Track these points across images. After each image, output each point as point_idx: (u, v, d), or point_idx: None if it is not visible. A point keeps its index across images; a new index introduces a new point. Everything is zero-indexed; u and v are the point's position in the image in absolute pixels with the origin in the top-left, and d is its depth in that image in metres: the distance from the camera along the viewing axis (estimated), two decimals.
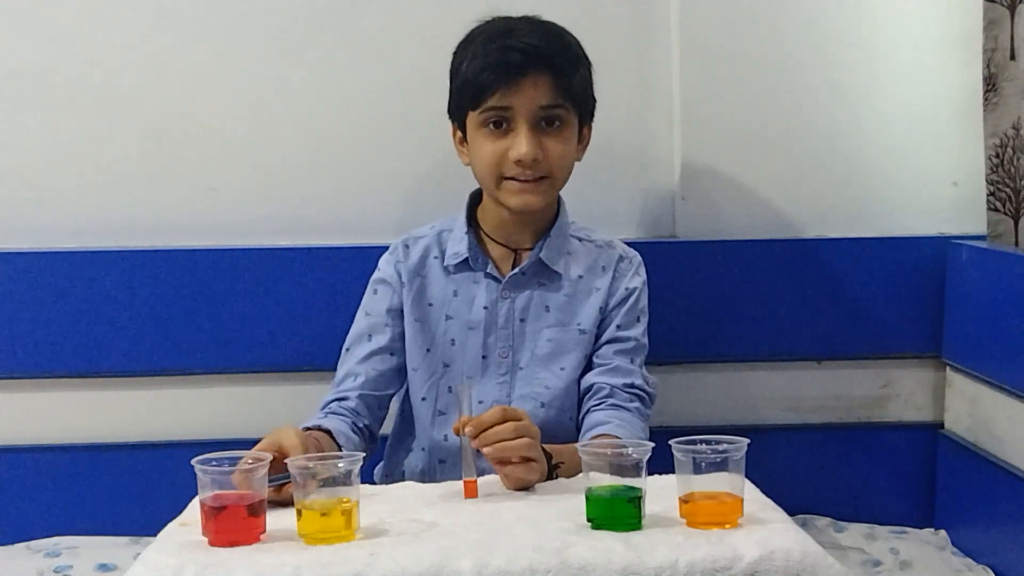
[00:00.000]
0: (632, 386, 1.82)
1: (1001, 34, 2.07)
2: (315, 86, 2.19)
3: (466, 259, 1.85)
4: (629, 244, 1.95)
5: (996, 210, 2.12)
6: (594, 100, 1.84)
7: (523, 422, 1.54)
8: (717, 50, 2.20)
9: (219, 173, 2.20)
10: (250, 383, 2.16)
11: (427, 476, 1.83)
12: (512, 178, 1.76)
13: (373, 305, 1.87)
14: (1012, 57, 2.05)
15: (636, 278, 1.89)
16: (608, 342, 1.85)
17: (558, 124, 1.74)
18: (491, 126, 1.75)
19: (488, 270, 1.85)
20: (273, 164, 2.20)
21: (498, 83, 1.70)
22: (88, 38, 2.16)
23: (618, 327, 1.85)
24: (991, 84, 2.10)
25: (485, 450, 1.51)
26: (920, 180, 2.25)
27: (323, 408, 1.81)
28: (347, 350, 1.86)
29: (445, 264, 1.86)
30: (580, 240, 1.90)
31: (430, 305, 1.85)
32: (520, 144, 1.72)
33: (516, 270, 1.84)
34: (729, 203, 2.24)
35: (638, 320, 1.88)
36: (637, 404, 1.81)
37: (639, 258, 1.92)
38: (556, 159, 1.75)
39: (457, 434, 1.53)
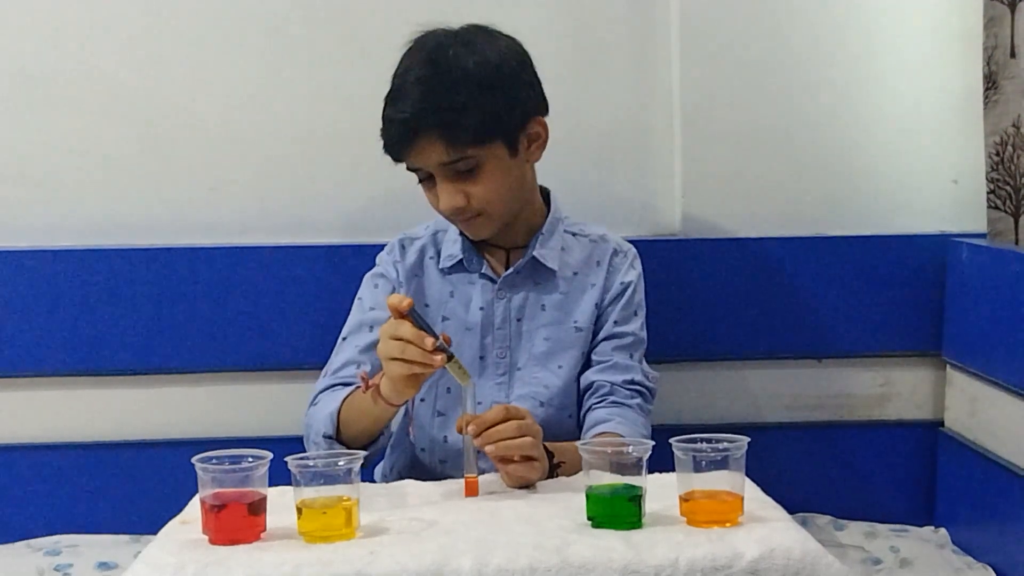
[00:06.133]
0: (632, 382, 1.81)
1: (1001, 31, 2.07)
2: (315, 83, 2.19)
3: (460, 260, 1.84)
4: (631, 242, 1.93)
5: (996, 208, 2.11)
6: (524, 108, 1.73)
7: (526, 421, 1.54)
8: (717, 47, 2.21)
9: (218, 171, 2.19)
10: (250, 381, 2.16)
11: (427, 474, 1.80)
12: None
13: (374, 297, 1.85)
14: (1012, 55, 2.05)
15: (631, 271, 1.88)
16: (606, 338, 1.84)
17: (472, 169, 1.70)
18: (420, 180, 1.76)
19: (483, 271, 1.84)
20: (272, 162, 2.20)
21: (396, 154, 1.71)
22: (86, 37, 2.15)
23: (615, 323, 1.84)
24: (991, 82, 2.10)
25: (487, 448, 1.50)
26: (920, 178, 2.25)
27: (322, 392, 1.78)
28: (344, 339, 1.84)
29: (440, 266, 1.85)
30: (574, 235, 1.89)
31: (427, 306, 1.84)
32: (440, 199, 1.73)
33: (511, 269, 1.83)
34: (729, 201, 2.23)
35: (635, 314, 1.86)
36: (638, 400, 1.81)
37: (634, 251, 1.90)
38: (482, 200, 1.72)
39: (459, 432, 1.53)
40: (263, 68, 2.19)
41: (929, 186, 2.25)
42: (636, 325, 1.86)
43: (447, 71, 1.67)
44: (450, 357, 1.50)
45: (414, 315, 1.49)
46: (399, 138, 1.69)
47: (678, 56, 2.20)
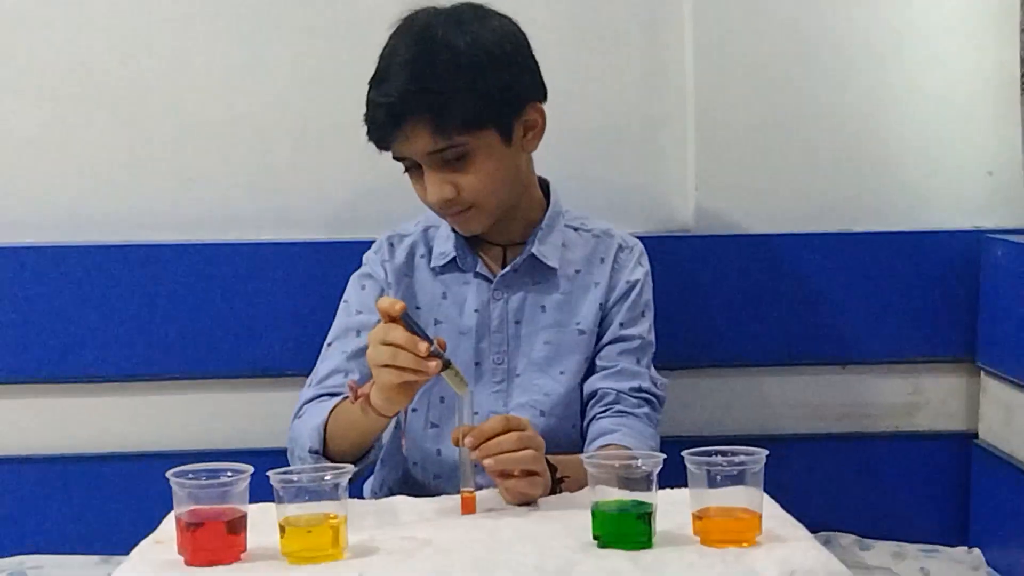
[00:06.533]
0: (639, 390, 1.83)
1: None
2: (297, 67, 2.21)
3: (454, 259, 1.86)
4: (639, 238, 1.93)
5: None
6: (518, 93, 1.75)
7: (527, 432, 1.55)
8: (734, 29, 2.21)
9: (192, 162, 2.20)
10: (229, 389, 2.17)
11: (420, 491, 1.80)
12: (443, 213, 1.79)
13: (362, 300, 1.86)
14: None
15: (638, 269, 1.89)
16: (611, 342, 1.85)
17: (461, 158, 1.72)
18: (406, 170, 1.77)
19: (478, 270, 1.85)
20: (250, 152, 2.21)
21: (380, 141, 1.73)
22: (55, 17, 2.16)
23: (621, 325, 1.85)
24: None
25: (486, 462, 1.51)
26: (952, 168, 2.26)
27: (307, 403, 1.79)
28: (329, 345, 1.86)
29: (432, 265, 1.87)
30: (576, 230, 1.90)
31: (418, 308, 1.85)
32: (428, 190, 1.74)
33: (508, 268, 1.84)
34: (747, 194, 2.24)
35: (643, 315, 1.87)
36: (646, 409, 1.82)
37: (640, 246, 1.92)
38: (472, 192, 1.74)
39: (456, 444, 1.54)
40: (242, 49, 2.20)
41: (962, 178, 2.26)
42: (644, 327, 1.88)
43: (436, 52, 1.68)
44: (447, 363, 1.51)
45: (406, 319, 1.51)
46: (383, 124, 1.71)
47: (691, 38, 2.21)
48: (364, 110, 1.73)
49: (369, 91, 1.73)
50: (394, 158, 1.77)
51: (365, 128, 1.74)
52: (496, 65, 1.71)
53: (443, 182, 1.73)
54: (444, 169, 1.73)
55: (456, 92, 1.67)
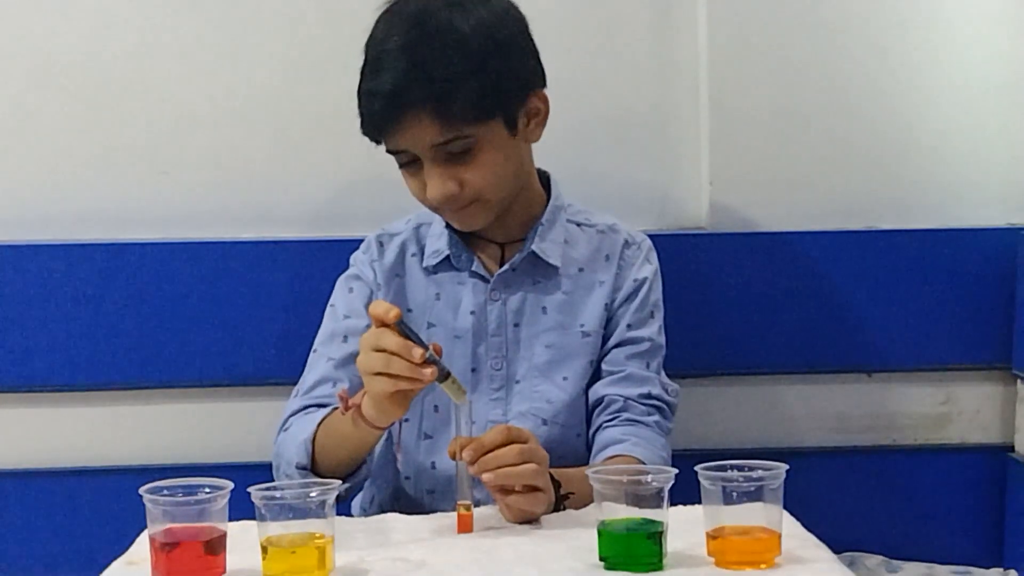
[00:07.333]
0: (649, 396, 1.83)
1: None
2: (280, 53, 2.20)
3: (447, 257, 1.86)
4: (648, 236, 1.93)
5: None
6: (524, 79, 1.75)
7: (529, 445, 1.55)
8: (750, 14, 2.21)
9: (168, 155, 2.20)
10: (208, 399, 2.16)
11: (413, 507, 1.81)
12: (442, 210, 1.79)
13: (349, 303, 1.87)
14: None
15: (646, 266, 1.89)
16: (618, 345, 1.85)
17: (467, 151, 1.72)
18: (402, 165, 1.77)
19: (474, 268, 1.85)
20: (230, 144, 2.21)
21: (377, 133, 1.73)
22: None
23: (628, 326, 1.86)
24: None
25: (485, 476, 1.50)
26: (985, 162, 2.26)
27: (293, 415, 1.79)
28: (315, 352, 1.86)
29: (424, 264, 1.87)
30: (579, 225, 1.90)
31: (409, 311, 1.86)
32: (429, 186, 1.74)
33: (506, 266, 1.84)
34: (764, 190, 2.24)
35: (652, 316, 1.88)
36: (656, 417, 1.82)
37: (648, 242, 1.92)
38: (477, 187, 1.74)
39: (452, 457, 1.53)
40: (221, 35, 2.20)
41: (996, 171, 2.26)
42: (653, 329, 1.88)
43: (437, 36, 1.67)
44: (444, 371, 1.51)
45: (400, 326, 1.50)
46: (382, 115, 1.69)
47: (705, 22, 2.21)
48: (355, 101, 1.71)
49: (361, 81, 1.72)
50: (389, 151, 1.76)
51: (359, 120, 1.73)
52: (502, 50, 1.70)
53: (446, 177, 1.73)
54: (447, 163, 1.73)
55: (464, 79, 1.66)
